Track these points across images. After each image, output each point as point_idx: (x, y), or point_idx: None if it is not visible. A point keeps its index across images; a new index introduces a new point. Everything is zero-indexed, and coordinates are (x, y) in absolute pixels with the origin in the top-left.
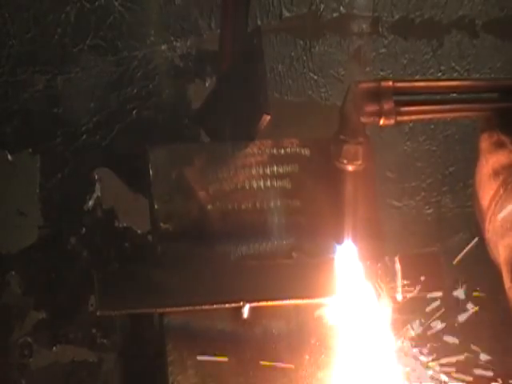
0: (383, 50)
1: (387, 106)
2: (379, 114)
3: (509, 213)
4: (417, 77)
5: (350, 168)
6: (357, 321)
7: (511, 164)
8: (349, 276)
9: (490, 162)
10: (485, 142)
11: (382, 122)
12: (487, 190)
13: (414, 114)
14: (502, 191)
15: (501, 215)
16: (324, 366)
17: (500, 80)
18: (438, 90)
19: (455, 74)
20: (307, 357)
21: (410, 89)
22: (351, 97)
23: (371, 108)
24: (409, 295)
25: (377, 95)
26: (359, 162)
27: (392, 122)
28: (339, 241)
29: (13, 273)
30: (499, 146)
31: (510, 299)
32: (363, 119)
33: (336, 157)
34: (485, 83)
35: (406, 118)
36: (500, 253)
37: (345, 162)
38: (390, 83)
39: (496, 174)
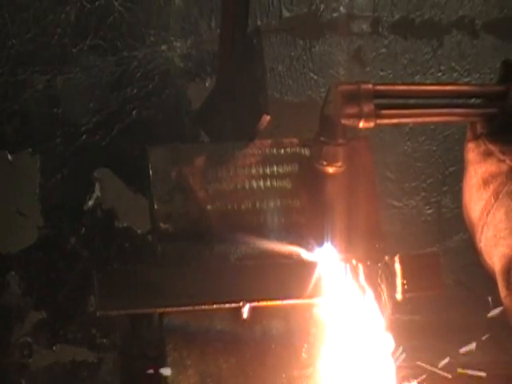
0: (383, 50)
1: (367, 108)
2: (359, 116)
3: (501, 222)
4: (417, 77)
5: (329, 170)
6: (354, 320)
7: (501, 172)
8: (339, 276)
9: (478, 172)
10: (472, 153)
11: (361, 124)
12: (478, 200)
13: (394, 118)
14: (493, 200)
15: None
16: (323, 366)
17: (484, 85)
18: (420, 94)
19: (455, 74)
20: (304, 355)
21: (390, 92)
22: (331, 98)
23: (351, 110)
24: (409, 295)
25: (357, 97)
26: (339, 164)
27: (372, 124)
28: (320, 243)
29: (13, 273)
30: (487, 155)
31: (506, 307)
32: (343, 121)
33: (316, 158)
34: (468, 88)
35: (386, 121)
36: (494, 262)
37: (324, 163)
38: (370, 86)
39: (486, 183)
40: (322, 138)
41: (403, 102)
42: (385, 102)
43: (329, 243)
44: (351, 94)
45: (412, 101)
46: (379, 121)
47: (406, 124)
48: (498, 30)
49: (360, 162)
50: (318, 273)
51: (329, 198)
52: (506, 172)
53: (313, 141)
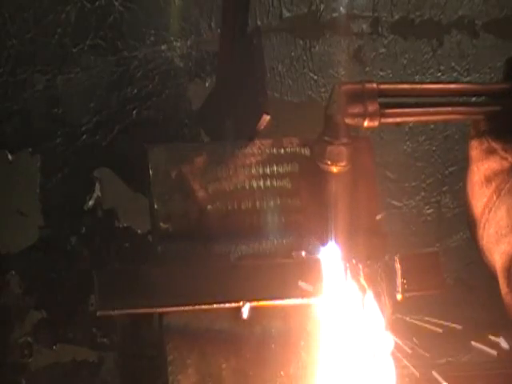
0: (383, 50)
1: (371, 107)
2: (363, 115)
3: (503, 219)
4: (417, 77)
5: (333, 169)
6: (353, 320)
7: (503, 170)
8: (339, 276)
9: (481, 169)
10: (475, 150)
11: (366, 123)
12: (480, 197)
13: (398, 117)
14: (495, 198)
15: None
16: (322, 366)
17: (487, 84)
18: (423, 93)
19: (455, 74)
20: (304, 355)
21: (394, 91)
22: (335, 98)
23: (355, 109)
24: (409, 295)
25: (361, 97)
26: (343, 164)
27: (376, 123)
28: (323, 242)
29: (13, 273)
30: (490, 152)
31: (506, 305)
32: (347, 120)
33: (320, 158)
34: (472, 87)
35: (390, 120)
36: (496, 260)
37: (328, 163)
38: (375, 85)
39: (488, 180)
40: (325, 138)
41: (407, 100)
42: (389, 101)
43: (332, 243)
44: (355, 94)
45: (415, 100)
46: (383, 120)
47: (409, 123)
48: (498, 30)
49: (361, 162)
50: (317, 272)
51: (333, 198)
52: (508, 169)
53: (316, 140)
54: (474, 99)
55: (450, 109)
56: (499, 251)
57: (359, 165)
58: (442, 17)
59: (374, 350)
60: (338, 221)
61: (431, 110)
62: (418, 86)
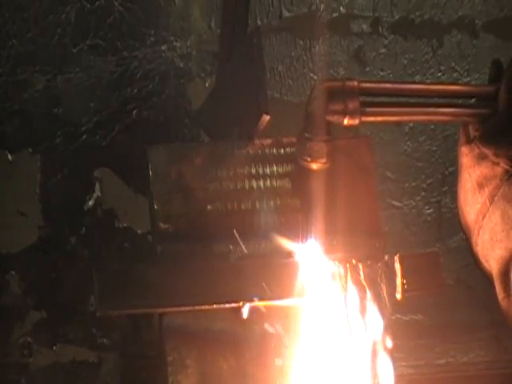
0: (383, 50)
1: (352, 105)
2: (344, 112)
3: (497, 225)
4: (417, 77)
5: (313, 166)
6: (352, 319)
7: (496, 175)
8: (332, 276)
9: (473, 176)
10: (466, 157)
11: (346, 121)
12: (473, 204)
13: (379, 115)
14: (488, 204)
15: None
16: (322, 365)
17: (474, 85)
18: (406, 93)
19: (455, 74)
20: (304, 355)
21: (376, 90)
22: (316, 95)
23: (336, 107)
24: (408, 295)
25: (342, 94)
26: (323, 160)
27: (357, 121)
28: (303, 240)
29: (13, 273)
30: (481, 158)
31: (503, 309)
32: (328, 117)
33: (300, 155)
34: (457, 88)
35: (371, 118)
36: (492, 265)
37: (308, 159)
38: (355, 83)
39: (480, 186)
40: (306, 135)
41: (390, 99)
42: (370, 99)
43: (312, 241)
44: (336, 91)
45: (400, 99)
46: (364, 118)
47: (391, 122)
48: (498, 30)
49: (360, 160)
50: (317, 272)
51: (312, 195)
52: (500, 175)
53: (297, 137)
54: (460, 101)
55: (432, 109)
56: (495, 257)
57: (359, 163)
58: (442, 17)
59: (372, 349)
60: (319, 218)
61: (414, 109)
62: (401, 86)
